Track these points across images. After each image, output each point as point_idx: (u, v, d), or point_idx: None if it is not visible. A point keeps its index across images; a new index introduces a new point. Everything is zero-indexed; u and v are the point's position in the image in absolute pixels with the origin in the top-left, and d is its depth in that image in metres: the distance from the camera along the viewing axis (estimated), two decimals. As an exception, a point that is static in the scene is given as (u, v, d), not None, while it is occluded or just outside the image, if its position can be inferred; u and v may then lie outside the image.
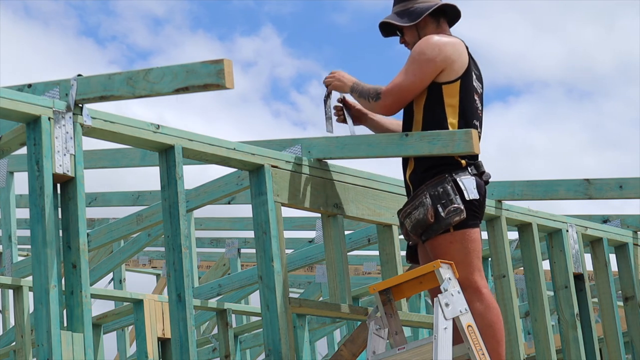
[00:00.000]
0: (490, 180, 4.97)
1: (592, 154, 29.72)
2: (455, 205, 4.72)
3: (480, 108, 5.01)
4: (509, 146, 27.79)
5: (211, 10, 28.68)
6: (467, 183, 4.78)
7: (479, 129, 4.96)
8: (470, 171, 4.83)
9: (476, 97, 4.97)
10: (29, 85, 4.47)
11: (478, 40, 28.43)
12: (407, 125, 4.98)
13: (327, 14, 29.29)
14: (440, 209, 4.72)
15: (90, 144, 4.75)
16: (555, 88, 30.06)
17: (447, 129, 4.84)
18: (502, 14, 28.87)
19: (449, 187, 4.75)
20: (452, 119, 4.86)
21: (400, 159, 5.06)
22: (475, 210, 4.79)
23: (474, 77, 4.97)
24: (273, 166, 5.07)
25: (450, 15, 5.09)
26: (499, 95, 29.74)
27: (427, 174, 4.83)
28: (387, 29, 5.16)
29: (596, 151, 29.88)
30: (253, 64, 27.43)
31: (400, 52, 27.83)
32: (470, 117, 4.91)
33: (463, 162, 4.84)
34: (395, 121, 5.28)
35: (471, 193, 4.76)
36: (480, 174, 4.87)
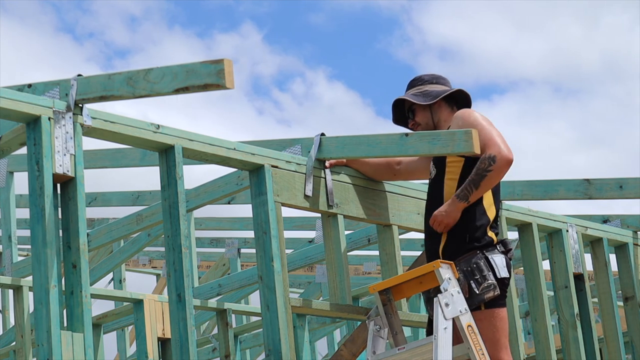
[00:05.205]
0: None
1: (579, 151, 29.68)
2: (489, 282, 4.74)
3: None
4: (494, 145, 27.60)
5: (188, 8, 28.62)
6: (498, 261, 4.80)
7: None
8: (499, 249, 4.85)
9: None
10: (29, 85, 4.47)
11: (460, 39, 28.38)
12: (437, 194, 4.94)
13: (303, 14, 29.22)
14: (474, 285, 4.73)
15: (91, 144, 4.75)
16: (541, 86, 29.99)
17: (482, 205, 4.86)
18: (484, 13, 28.78)
19: (481, 263, 4.77)
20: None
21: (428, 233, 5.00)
22: (504, 289, 4.81)
23: None
24: (273, 166, 5.07)
25: (461, 101, 5.14)
26: (483, 93, 29.64)
27: (460, 249, 4.81)
28: (397, 112, 5.19)
29: (583, 149, 29.84)
30: (234, 61, 27.28)
31: (381, 51, 27.86)
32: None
33: (495, 238, 4.86)
34: (377, 159, 5.34)
35: (502, 271, 4.78)
36: (507, 252, 4.88)
